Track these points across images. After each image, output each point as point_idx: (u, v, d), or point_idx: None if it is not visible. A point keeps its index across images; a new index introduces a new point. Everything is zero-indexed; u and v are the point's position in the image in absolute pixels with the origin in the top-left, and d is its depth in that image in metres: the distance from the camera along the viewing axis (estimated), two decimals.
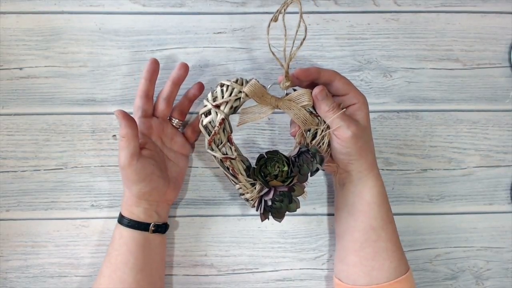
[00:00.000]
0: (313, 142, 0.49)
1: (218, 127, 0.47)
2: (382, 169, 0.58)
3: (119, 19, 0.58)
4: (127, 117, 0.47)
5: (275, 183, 0.48)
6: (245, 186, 0.49)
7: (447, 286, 0.58)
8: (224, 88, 0.47)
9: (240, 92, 0.47)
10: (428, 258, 0.59)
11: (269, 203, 0.47)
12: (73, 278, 0.57)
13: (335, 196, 0.54)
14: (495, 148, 0.59)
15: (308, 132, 0.49)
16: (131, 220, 0.51)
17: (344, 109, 0.49)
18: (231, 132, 0.48)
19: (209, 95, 0.48)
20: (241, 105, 0.48)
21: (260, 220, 0.49)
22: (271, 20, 0.45)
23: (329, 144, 0.50)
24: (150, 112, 0.53)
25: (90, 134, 0.58)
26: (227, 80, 0.47)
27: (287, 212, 0.48)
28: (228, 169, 0.48)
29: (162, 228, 0.53)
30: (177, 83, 0.53)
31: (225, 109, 0.47)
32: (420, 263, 0.58)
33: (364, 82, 0.59)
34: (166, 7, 0.58)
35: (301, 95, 0.48)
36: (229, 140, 0.48)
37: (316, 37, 0.59)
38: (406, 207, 0.59)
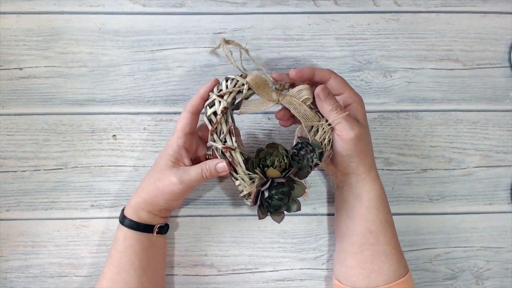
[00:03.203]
0: (315, 138, 0.49)
1: (220, 115, 0.48)
2: (382, 169, 0.58)
3: (119, 19, 0.58)
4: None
5: (272, 171, 0.47)
6: (243, 180, 0.48)
7: (447, 286, 0.58)
8: (229, 82, 0.49)
9: (243, 84, 0.49)
10: (428, 258, 0.59)
11: (266, 194, 0.46)
12: (73, 278, 0.57)
13: (335, 198, 0.54)
14: (495, 148, 0.59)
15: (311, 130, 0.50)
16: (136, 222, 0.50)
17: (348, 112, 0.48)
18: (233, 124, 0.49)
19: (215, 88, 0.49)
20: (245, 97, 0.49)
21: (259, 219, 0.48)
22: (215, 48, 0.56)
23: (331, 145, 0.49)
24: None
25: (90, 134, 0.58)
26: (233, 74, 0.49)
27: (286, 213, 0.48)
28: (229, 161, 0.49)
29: (164, 229, 0.53)
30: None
31: (228, 98, 0.48)
32: (420, 263, 0.58)
33: (364, 82, 0.59)
34: (166, 7, 0.58)
35: (301, 90, 0.49)
36: (230, 131, 0.49)
37: (316, 37, 0.59)
38: (406, 207, 0.59)
